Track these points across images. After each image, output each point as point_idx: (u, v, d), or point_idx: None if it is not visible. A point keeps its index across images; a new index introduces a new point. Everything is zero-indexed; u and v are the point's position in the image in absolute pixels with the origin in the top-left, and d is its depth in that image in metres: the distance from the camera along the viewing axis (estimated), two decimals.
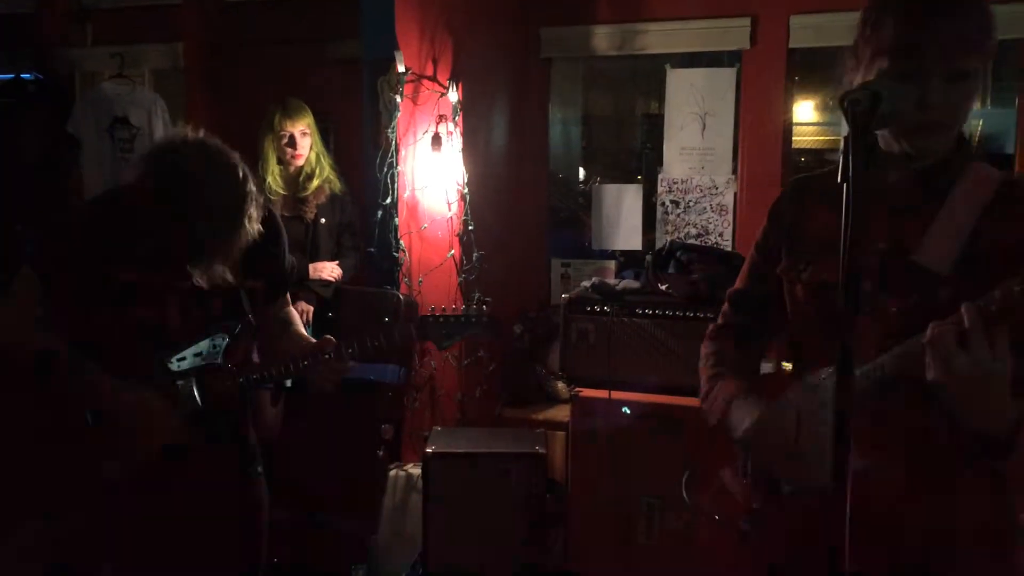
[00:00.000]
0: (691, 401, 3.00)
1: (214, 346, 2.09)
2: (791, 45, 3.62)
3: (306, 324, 3.51)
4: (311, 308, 3.65)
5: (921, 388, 1.25)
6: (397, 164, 3.48)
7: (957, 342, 1.19)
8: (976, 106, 4.94)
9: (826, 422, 1.31)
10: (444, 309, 2.20)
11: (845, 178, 0.98)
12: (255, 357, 2.29)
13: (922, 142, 1.40)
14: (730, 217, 3.83)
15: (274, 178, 3.67)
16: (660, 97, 4.00)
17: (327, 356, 2.07)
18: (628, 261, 4.06)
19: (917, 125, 1.35)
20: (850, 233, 0.99)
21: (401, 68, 3.39)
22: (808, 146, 6.24)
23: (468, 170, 3.44)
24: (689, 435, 2.91)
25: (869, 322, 1.40)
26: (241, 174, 1.92)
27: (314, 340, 2.23)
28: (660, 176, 3.93)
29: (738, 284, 1.76)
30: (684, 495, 1.69)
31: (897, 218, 1.43)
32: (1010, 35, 3.40)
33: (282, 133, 3.65)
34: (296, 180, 3.73)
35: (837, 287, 1.35)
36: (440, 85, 3.40)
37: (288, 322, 2.30)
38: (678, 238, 3.82)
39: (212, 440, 2.10)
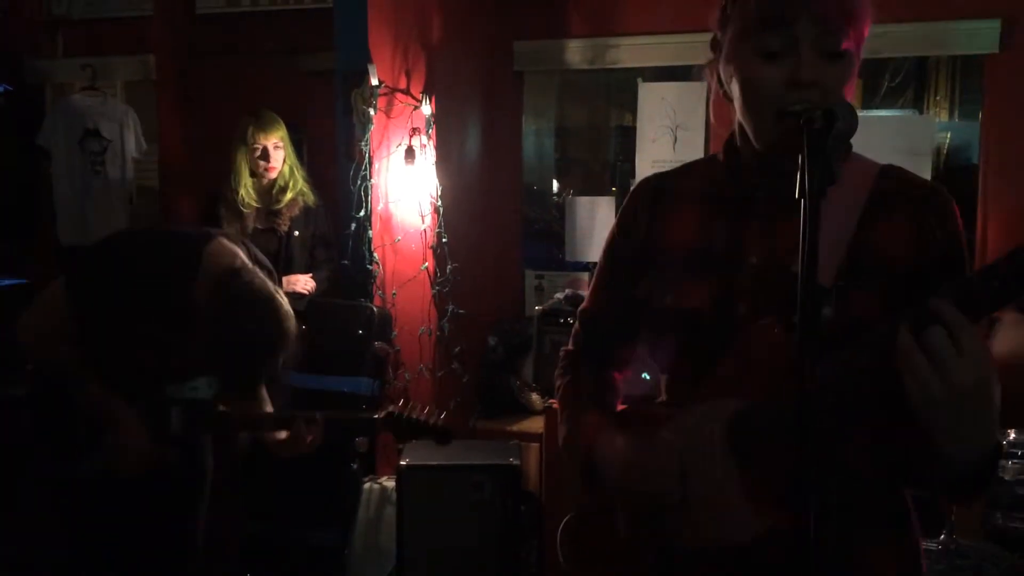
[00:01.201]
0: None
1: (209, 384, 2.20)
2: None
3: None
4: None
5: (843, 422, 1.10)
6: (371, 177, 3.48)
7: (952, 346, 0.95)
8: (943, 118, 5.14)
9: (715, 468, 1.18)
10: (411, 405, 2.32)
11: (802, 195, 0.97)
12: None
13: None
14: None
15: (247, 191, 3.66)
16: (633, 110, 4.04)
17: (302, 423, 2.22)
18: None
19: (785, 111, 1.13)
20: (806, 251, 0.97)
21: (375, 81, 3.39)
22: None
23: (442, 182, 3.45)
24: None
25: (748, 349, 1.19)
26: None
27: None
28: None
29: (587, 302, 1.50)
30: (559, 551, 1.44)
31: (770, 228, 1.24)
32: (974, 51, 3.48)
33: (255, 146, 3.64)
34: (269, 193, 3.72)
35: (703, 313, 1.24)
36: (413, 98, 3.41)
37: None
38: None
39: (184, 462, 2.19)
